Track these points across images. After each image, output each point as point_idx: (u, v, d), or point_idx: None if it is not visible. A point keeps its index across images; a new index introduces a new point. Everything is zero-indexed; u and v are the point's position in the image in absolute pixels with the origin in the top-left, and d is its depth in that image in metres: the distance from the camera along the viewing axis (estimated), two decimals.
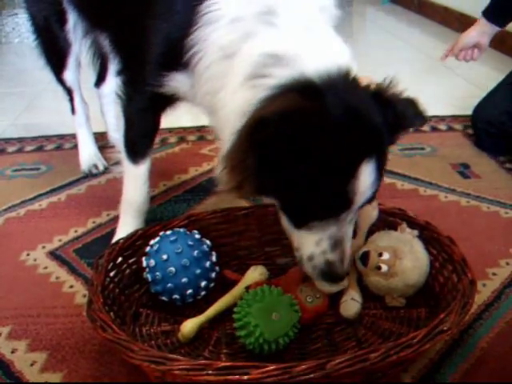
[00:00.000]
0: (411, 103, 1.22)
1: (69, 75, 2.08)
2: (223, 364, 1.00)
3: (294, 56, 1.13)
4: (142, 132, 1.56)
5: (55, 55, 2.04)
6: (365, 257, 1.36)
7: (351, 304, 1.33)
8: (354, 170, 1.08)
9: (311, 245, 1.19)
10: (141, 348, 1.04)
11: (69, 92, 2.15)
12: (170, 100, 1.46)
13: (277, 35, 1.17)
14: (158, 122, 1.56)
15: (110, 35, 1.62)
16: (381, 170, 1.13)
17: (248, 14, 1.20)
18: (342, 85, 1.11)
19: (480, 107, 2.38)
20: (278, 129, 1.04)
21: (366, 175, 1.09)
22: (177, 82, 1.36)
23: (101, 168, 2.16)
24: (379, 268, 1.34)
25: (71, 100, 2.18)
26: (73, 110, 2.20)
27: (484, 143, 2.31)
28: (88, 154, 2.20)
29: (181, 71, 1.32)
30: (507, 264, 1.56)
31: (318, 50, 1.16)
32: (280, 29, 1.18)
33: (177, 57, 1.29)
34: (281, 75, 1.11)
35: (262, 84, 1.13)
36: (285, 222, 1.22)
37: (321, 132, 1.06)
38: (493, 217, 1.81)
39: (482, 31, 2.40)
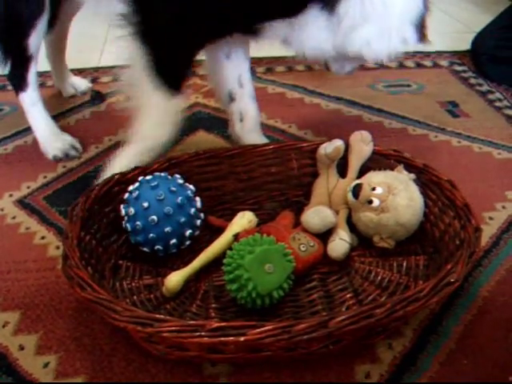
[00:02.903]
0: None
1: (33, 40, 1.58)
2: (217, 324, 0.91)
3: None
4: (182, 51, 1.22)
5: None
6: (357, 188, 1.27)
7: (339, 244, 1.24)
8: None
9: None
10: (125, 308, 0.94)
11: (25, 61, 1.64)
12: None
13: None
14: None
15: None
16: None
17: None
18: None
19: (484, 33, 2.34)
20: None
21: None
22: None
23: (80, 148, 1.76)
24: (370, 202, 1.25)
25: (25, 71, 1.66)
26: (23, 86, 1.69)
27: (490, 71, 2.27)
28: (62, 142, 1.74)
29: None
30: (503, 208, 1.48)
31: None
32: None
33: None
34: None
35: None
36: None
37: None
38: (486, 158, 1.73)
39: None
